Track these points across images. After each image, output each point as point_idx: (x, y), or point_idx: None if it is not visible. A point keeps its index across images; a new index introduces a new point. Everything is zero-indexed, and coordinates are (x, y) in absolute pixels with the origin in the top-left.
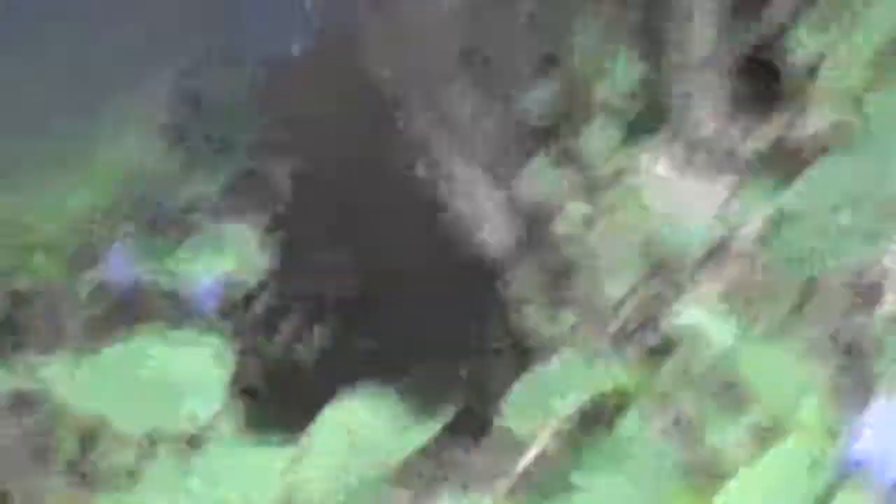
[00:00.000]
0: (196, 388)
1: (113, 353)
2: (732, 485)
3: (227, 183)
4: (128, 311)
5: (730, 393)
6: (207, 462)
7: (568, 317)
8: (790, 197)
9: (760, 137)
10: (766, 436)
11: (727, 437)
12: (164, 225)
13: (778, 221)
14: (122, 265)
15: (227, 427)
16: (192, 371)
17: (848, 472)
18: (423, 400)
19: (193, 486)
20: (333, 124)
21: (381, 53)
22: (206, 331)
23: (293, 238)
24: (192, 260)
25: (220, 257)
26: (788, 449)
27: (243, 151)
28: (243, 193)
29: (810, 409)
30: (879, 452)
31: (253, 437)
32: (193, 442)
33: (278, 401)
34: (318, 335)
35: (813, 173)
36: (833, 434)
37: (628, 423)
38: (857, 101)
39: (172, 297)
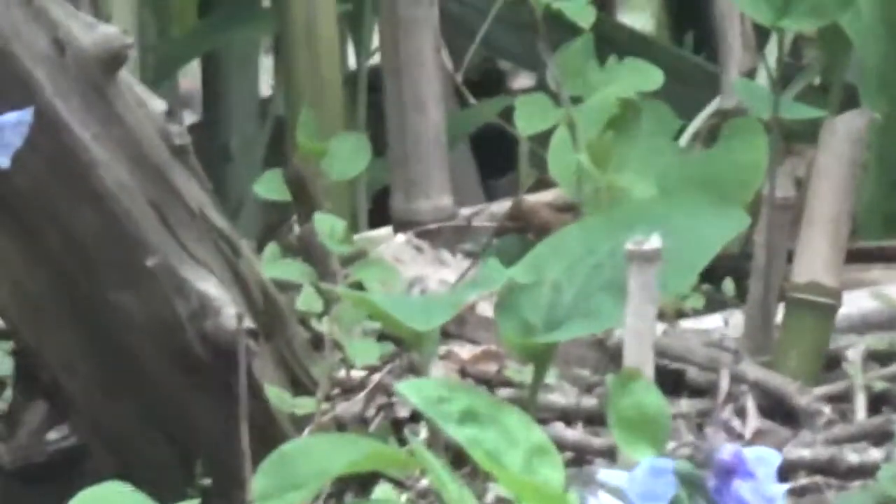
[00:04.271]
0: None
1: None
2: None
3: None
4: None
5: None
6: None
7: (314, 395)
8: (519, 269)
9: (499, 206)
10: None
11: None
12: None
13: (509, 292)
14: None
15: None
16: None
17: None
18: (164, 490)
19: None
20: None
21: None
22: None
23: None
24: None
25: None
26: None
27: None
28: None
29: (547, 473)
30: None
31: None
32: None
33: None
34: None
35: (541, 247)
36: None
37: (381, 494)
38: (584, 176)
39: None
